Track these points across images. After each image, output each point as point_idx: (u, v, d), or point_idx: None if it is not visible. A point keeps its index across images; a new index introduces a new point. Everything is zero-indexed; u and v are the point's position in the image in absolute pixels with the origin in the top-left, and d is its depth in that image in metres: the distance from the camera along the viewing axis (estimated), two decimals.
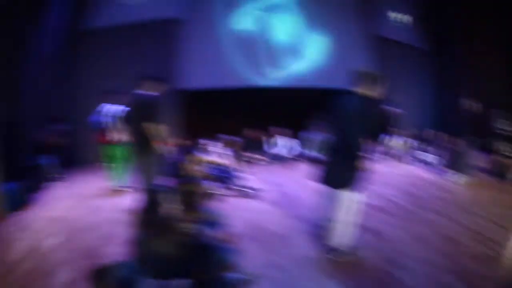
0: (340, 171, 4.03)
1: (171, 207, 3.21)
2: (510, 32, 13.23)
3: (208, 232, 3.71)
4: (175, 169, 4.84)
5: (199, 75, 10.89)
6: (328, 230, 4.25)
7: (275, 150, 9.46)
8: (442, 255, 4.49)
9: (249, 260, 3.97)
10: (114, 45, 10.30)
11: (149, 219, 3.10)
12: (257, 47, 11.61)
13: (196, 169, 4.95)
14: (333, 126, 4.22)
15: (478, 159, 8.76)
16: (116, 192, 6.96)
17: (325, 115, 4.13)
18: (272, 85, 11.81)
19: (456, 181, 8.35)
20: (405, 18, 14.91)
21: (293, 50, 12.30)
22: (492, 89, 13.35)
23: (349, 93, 4.02)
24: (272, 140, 9.60)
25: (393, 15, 14.78)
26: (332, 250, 4.23)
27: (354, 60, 13.76)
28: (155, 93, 5.42)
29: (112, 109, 6.78)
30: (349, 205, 4.08)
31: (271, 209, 5.77)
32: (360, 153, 3.90)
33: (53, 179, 7.82)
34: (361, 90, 3.94)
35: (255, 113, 11.20)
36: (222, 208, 5.44)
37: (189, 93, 10.76)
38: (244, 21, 11.53)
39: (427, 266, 4.24)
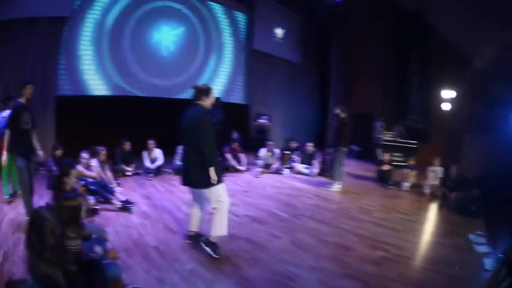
0: (197, 172, 4.40)
1: (55, 226, 3.04)
2: (386, 47, 14.57)
3: (95, 249, 3.70)
4: (55, 183, 4.48)
5: (77, 81, 10.12)
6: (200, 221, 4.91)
7: (151, 163, 9.21)
8: (334, 261, 4.53)
9: (135, 276, 3.85)
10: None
11: (35, 241, 2.98)
12: (138, 57, 11.32)
13: (76, 183, 4.65)
14: (181, 134, 4.60)
15: (358, 167, 9.15)
16: (10, 202, 6.40)
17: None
18: (152, 96, 11.57)
19: (335, 190, 8.68)
20: (282, 33, 15.61)
21: (174, 64, 12.23)
22: (370, 101, 14.65)
23: (193, 104, 4.56)
24: (150, 152, 9.33)
25: (278, 31, 15.39)
26: (208, 242, 4.60)
27: (233, 75, 14.22)
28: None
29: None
30: (216, 200, 4.48)
31: (146, 223, 5.49)
32: (210, 154, 4.31)
33: None
34: (198, 101, 4.52)
35: (134, 124, 10.85)
36: (101, 224, 5.33)
37: (66, 100, 10.01)
38: (125, 29, 11.06)
39: (319, 273, 4.24)
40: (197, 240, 4.82)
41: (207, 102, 4.51)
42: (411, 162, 9.88)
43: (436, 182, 9.08)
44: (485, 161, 10.46)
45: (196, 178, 4.44)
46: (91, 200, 5.96)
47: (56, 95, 9.85)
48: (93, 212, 5.82)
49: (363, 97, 15.13)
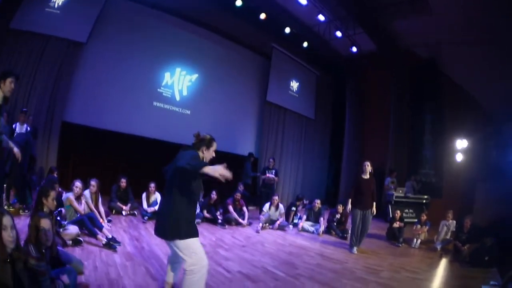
0: (167, 218, 3.72)
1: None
2: (399, 98, 14.70)
3: (62, 277, 3.52)
4: (35, 203, 4.22)
5: (88, 110, 10.38)
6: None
7: (149, 206, 8.89)
8: None
9: None
10: (25, 53, 9.49)
11: None
12: (150, 98, 11.65)
13: (53, 206, 4.29)
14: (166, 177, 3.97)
15: (369, 225, 8.65)
16: None
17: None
18: (160, 139, 11.62)
19: (343, 248, 8.27)
20: (297, 87, 15.85)
21: (185, 109, 12.45)
22: (383, 156, 14.50)
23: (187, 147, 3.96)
24: (149, 195, 9.03)
25: (293, 84, 15.63)
26: None
27: (242, 124, 14.22)
28: None
29: None
30: (191, 258, 3.67)
31: (128, 264, 5.12)
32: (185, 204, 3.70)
33: None
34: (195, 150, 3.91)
35: (137, 164, 10.97)
36: (81, 256, 5.02)
37: (72, 127, 10.16)
38: (140, 66, 11.35)
39: None
40: None
41: (205, 155, 3.97)
42: (423, 217, 9.69)
43: (448, 236, 9.03)
44: (498, 208, 10.40)
45: (164, 226, 3.76)
46: (75, 230, 5.69)
47: (62, 120, 9.99)
48: (75, 242, 5.60)
49: (376, 152, 15.04)
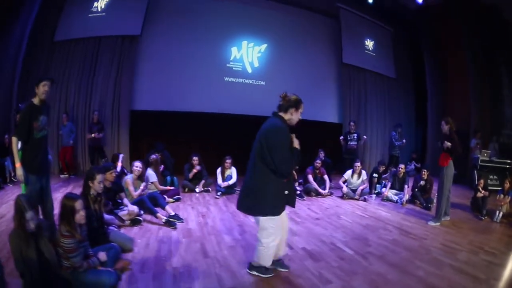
0: (250, 194, 3.81)
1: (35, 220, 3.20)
2: (473, 48, 13.32)
3: (98, 254, 3.67)
4: (83, 187, 4.47)
5: (157, 96, 10.72)
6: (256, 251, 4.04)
7: (225, 181, 8.95)
8: None
9: None
10: (78, 58, 10.11)
11: (20, 228, 3.14)
12: (218, 74, 11.65)
13: (99, 188, 4.44)
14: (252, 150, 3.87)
15: (453, 193, 7.63)
16: None
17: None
18: (235, 113, 11.63)
19: (424, 222, 7.43)
20: (373, 45, 15.07)
21: (258, 81, 12.30)
22: (466, 115, 13.08)
23: (271, 116, 3.80)
24: (224, 170, 9.06)
25: (368, 43, 14.86)
26: (255, 267, 4.09)
27: (321, 90, 13.70)
28: None
29: None
30: (265, 232, 3.84)
31: (184, 241, 5.17)
32: (276, 176, 3.65)
33: None
34: (280, 113, 3.76)
35: (212, 141, 11.15)
36: (136, 234, 5.35)
37: (142, 114, 10.61)
38: (204, 44, 11.35)
39: None
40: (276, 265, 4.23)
41: (293, 117, 3.76)
42: (506, 185, 8.20)
43: None
44: None
45: (247, 201, 3.85)
46: (133, 210, 5.91)
47: (130, 109, 10.45)
48: (134, 222, 5.84)
49: (459, 111, 13.42)
